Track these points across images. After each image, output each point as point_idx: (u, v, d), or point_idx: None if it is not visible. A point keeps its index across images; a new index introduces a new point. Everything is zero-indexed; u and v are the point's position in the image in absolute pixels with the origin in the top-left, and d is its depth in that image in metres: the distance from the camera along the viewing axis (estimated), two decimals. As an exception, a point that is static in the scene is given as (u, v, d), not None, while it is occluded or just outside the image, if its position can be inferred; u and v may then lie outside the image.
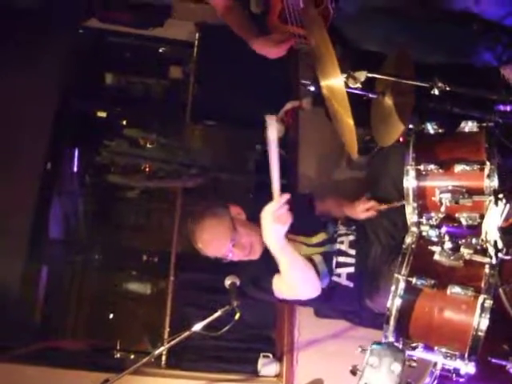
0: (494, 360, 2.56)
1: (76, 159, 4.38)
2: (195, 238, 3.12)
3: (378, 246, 3.19)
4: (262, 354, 3.75)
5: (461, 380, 2.52)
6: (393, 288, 2.21)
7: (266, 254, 3.14)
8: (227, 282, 2.99)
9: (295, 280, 2.92)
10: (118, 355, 3.91)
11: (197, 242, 3.12)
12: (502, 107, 3.04)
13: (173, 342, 3.03)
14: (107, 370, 3.25)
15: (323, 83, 2.61)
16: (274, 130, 2.49)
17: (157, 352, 3.06)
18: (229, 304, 2.91)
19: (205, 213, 3.15)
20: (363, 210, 3.30)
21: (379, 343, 2.06)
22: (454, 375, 2.47)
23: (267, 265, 3.10)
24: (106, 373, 3.09)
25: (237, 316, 2.90)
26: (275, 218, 2.63)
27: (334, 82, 2.46)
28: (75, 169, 4.37)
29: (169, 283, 3.85)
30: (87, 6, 4.21)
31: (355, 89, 2.55)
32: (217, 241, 3.07)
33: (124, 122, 4.42)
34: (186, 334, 2.97)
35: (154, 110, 4.32)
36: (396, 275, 2.21)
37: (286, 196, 2.63)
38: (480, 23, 3.43)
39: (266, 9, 3.51)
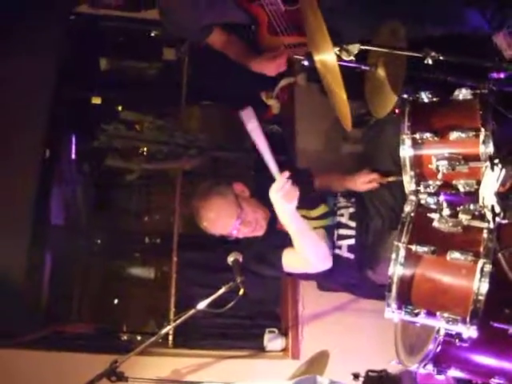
0: (495, 324, 2.59)
1: (74, 145, 4.39)
2: (200, 218, 3.14)
3: (378, 217, 3.22)
4: (267, 330, 3.80)
5: (464, 345, 2.56)
6: (393, 256, 2.23)
7: (270, 229, 3.19)
8: (230, 258, 3.02)
9: (309, 252, 2.96)
10: (125, 337, 3.94)
11: (202, 221, 3.14)
12: (495, 75, 3.05)
13: (178, 321, 3.06)
14: (115, 351, 3.30)
15: (316, 58, 2.61)
16: (250, 122, 2.55)
17: (163, 331, 3.10)
18: (233, 280, 2.95)
19: (209, 192, 3.16)
20: (365, 182, 3.33)
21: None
22: (457, 340, 2.51)
23: (272, 240, 3.15)
24: (114, 354, 3.13)
25: (241, 292, 2.91)
26: (282, 195, 2.70)
27: (327, 57, 2.47)
28: (73, 155, 4.38)
29: (172, 264, 3.89)
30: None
31: (348, 62, 2.56)
32: (223, 219, 3.10)
33: (120, 107, 4.42)
34: (191, 312, 3.00)
35: (150, 93, 4.31)
36: (396, 243, 2.22)
37: (286, 173, 2.70)
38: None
39: (255, 27, 3.52)
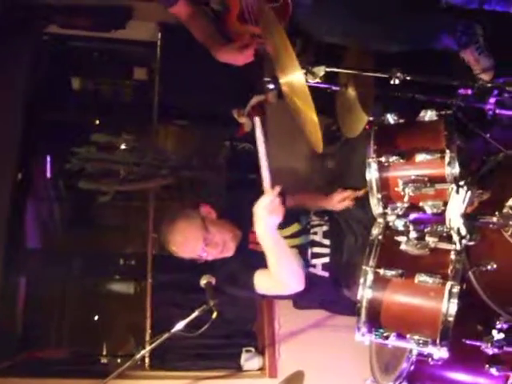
0: (468, 341, 2.60)
1: (49, 166, 4.36)
2: (168, 241, 3.15)
3: (351, 235, 3.21)
4: (244, 349, 3.79)
5: (437, 363, 2.56)
6: (361, 280, 2.23)
7: (241, 251, 3.18)
8: (203, 281, 3.01)
9: (285, 273, 2.93)
10: (105, 360, 3.91)
11: (171, 245, 3.14)
12: (463, 91, 3.07)
13: (153, 345, 3.05)
14: (93, 376, 3.28)
15: (283, 80, 2.61)
16: (259, 129, 2.66)
17: (138, 356, 3.07)
18: (206, 303, 2.94)
19: (175, 216, 3.18)
20: (340, 200, 3.33)
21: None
22: (430, 359, 2.52)
23: (243, 262, 3.14)
24: (92, 379, 3.12)
25: (214, 315, 2.91)
26: (270, 210, 2.70)
27: (294, 78, 2.46)
28: (48, 175, 4.35)
29: (147, 285, 3.87)
30: (46, 12, 4.17)
31: (315, 84, 2.56)
32: (189, 242, 3.10)
33: (95, 125, 4.40)
34: (165, 336, 2.99)
35: (121, 113, 4.30)
36: (364, 267, 2.23)
37: (278, 188, 2.72)
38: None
39: (225, 10, 3.49)
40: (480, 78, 3.27)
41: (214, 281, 3.01)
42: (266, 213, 2.70)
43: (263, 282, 3.06)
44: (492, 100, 3.05)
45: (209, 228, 3.11)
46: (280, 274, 2.94)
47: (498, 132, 3.15)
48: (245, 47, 3.24)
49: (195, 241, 3.08)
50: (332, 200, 3.36)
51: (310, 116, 2.49)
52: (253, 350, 3.80)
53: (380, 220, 2.39)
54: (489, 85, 2.98)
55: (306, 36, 3.54)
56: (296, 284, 3.00)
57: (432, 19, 3.47)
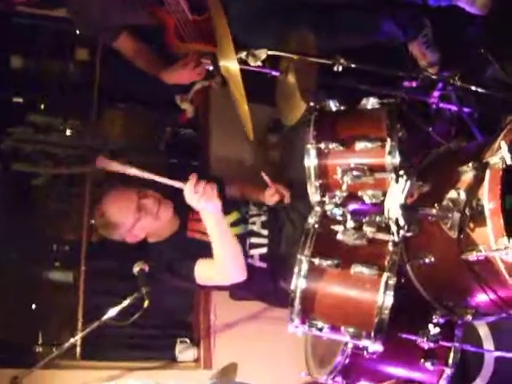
0: (404, 335, 2.58)
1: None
2: (101, 212, 3.07)
3: (290, 226, 3.18)
4: (178, 340, 3.73)
5: (373, 356, 2.54)
6: (296, 269, 2.18)
7: (179, 238, 3.11)
8: (135, 268, 2.96)
9: (228, 262, 2.89)
10: (40, 349, 3.78)
11: (103, 215, 3.06)
12: (407, 83, 3.06)
13: (83, 333, 3.01)
14: (26, 365, 3.16)
15: (221, 63, 2.55)
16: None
17: (67, 344, 3.02)
18: (138, 291, 2.87)
19: (112, 189, 3.15)
20: (271, 194, 3.29)
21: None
22: (365, 352, 2.49)
23: (181, 250, 3.08)
24: (23, 368, 3.03)
25: (146, 303, 2.85)
26: (200, 196, 2.62)
27: (230, 65, 2.41)
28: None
29: (80, 272, 3.76)
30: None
31: (256, 67, 2.51)
32: (121, 203, 3.05)
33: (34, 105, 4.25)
34: (96, 324, 2.94)
35: (61, 94, 4.16)
36: (299, 256, 2.18)
37: (194, 175, 2.63)
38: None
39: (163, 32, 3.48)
40: (425, 71, 3.25)
41: (147, 268, 2.95)
42: (198, 199, 2.63)
43: (205, 272, 3.01)
44: (436, 93, 3.05)
45: (143, 193, 3.06)
46: (225, 264, 2.89)
47: (441, 125, 3.15)
48: (186, 64, 3.31)
49: (128, 202, 3.02)
50: (264, 194, 3.32)
51: (242, 102, 2.46)
52: (188, 341, 3.74)
53: (317, 208, 2.34)
54: (433, 77, 2.97)
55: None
56: (239, 274, 2.97)
57: (380, 11, 3.45)
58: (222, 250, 2.85)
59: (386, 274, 2.13)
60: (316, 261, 2.16)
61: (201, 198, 2.62)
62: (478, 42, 3.35)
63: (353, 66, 2.64)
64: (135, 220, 3.02)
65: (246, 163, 4.02)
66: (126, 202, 3.04)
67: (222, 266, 2.89)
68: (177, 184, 2.63)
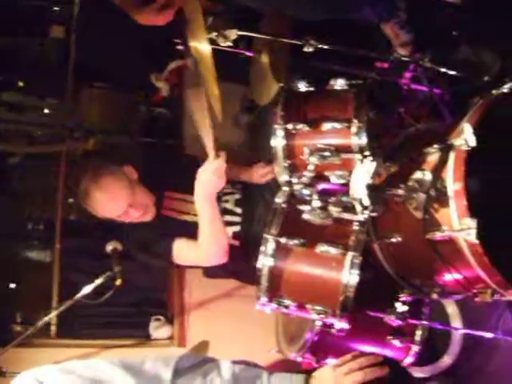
0: (372, 313, 2.62)
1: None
2: (90, 198, 2.98)
3: (263, 205, 3.20)
4: (153, 318, 3.75)
5: (341, 334, 2.57)
6: (262, 248, 2.20)
7: (155, 219, 3.12)
8: (109, 247, 2.96)
9: (214, 244, 2.90)
10: (18, 328, 3.78)
11: (91, 202, 2.99)
12: (379, 64, 3.07)
13: (56, 312, 3.02)
14: (2, 344, 3.16)
15: (192, 44, 2.55)
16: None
17: (40, 323, 3.02)
18: (110, 270, 2.88)
19: (101, 171, 3.01)
20: (262, 175, 3.30)
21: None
22: (333, 329, 2.52)
23: (156, 228, 3.08)
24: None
25: (118, 282, 2.87)
26: (218, 175, 2.69)
27: (200, 45, 2.40)
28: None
29: (55, 251, 3.76)
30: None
31: (226, 47, 2.51)
32: (114, 200, 2.98)
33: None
34: (69, 302, 2.94)
35: (36, 71, 4.12)
36: (265, 235, 2.20)
37: (224, 153, 2.73)
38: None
39: None
40: (397, 52, 3.26)
41: (119, 247, 2.95)
42: (216, 177, 2.69)
43: (184, 252, 3.01)
44: (408, 75, 3.07)
45: (135, 188, 3.03)
46: (209, 243, 2.90)
47: (412, 107, 3.17)
48: (164, 7, 3.17)
49: (121, 200, 2.97)
50: (253, 174, 3.33)
51: (212, 86, 2.46)
52: (162, 318, 3.76)
53: (285, 188, 2.36)
54: (404, 58, 2.99)
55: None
56: (221, 256, 2.96)
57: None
58: (210, 233, 2.86)
59: (350, 253, 2.15)
60: (282, 240, 2.17)
61: (220, 176, 2.70)
62: (451, 25, 3.36)
63: (324, 46, 2.65)
64: (122, 213, 3.00)
65: (222, 142, 4.03)
66: (118, 198, 2.98)
67: (207, 247, 2.90)
68: (209, 149, 2.71)
